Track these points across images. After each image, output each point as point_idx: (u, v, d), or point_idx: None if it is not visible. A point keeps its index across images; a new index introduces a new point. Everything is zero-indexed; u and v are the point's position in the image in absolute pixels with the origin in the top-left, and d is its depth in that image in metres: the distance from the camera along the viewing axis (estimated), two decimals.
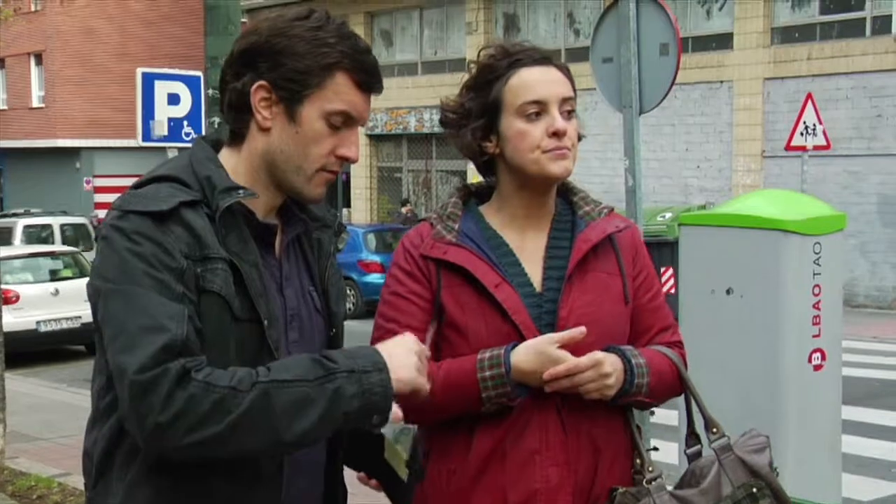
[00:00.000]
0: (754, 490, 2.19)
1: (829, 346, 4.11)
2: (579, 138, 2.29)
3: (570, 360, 2.12)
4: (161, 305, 1.73)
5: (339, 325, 2.07)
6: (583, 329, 2.12)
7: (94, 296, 1.82)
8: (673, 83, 5.88)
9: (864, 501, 6.54)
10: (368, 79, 1.90)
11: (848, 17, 17.82)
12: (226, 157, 1.94)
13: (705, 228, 4.23)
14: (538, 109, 2.20)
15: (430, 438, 2.28)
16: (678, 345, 2.36)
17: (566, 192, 2.37)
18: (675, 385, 2.30)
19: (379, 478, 2.05)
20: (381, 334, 2.22)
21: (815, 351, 4.07)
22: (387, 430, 2.00)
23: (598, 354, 2.16)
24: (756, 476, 2.19)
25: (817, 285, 4.04)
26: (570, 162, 2.23)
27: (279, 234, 1.97)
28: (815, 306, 4.05)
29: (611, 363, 2.17)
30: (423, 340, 2.17)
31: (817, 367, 4.09)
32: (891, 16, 17.14)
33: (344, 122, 1.90)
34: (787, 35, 18.62)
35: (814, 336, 4.05)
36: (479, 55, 2.30)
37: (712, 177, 19.38)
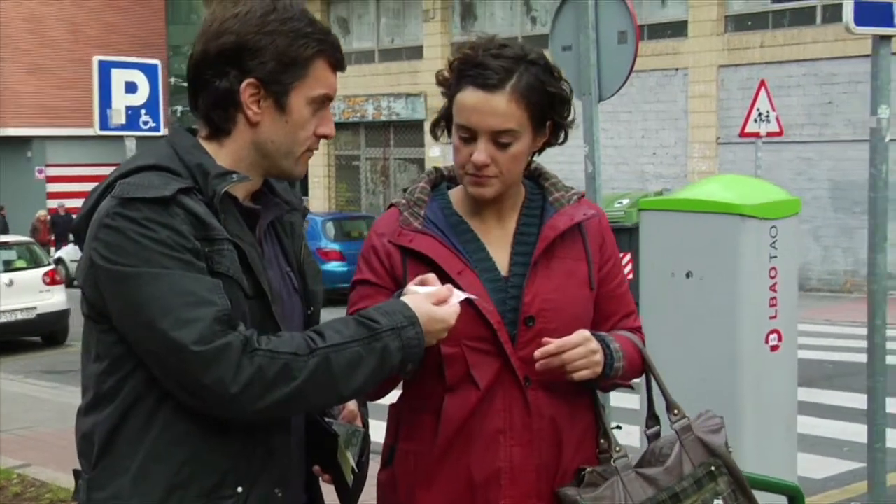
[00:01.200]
0: (713, 468, 2.28)
1: (785, 327, 4.20)
2: (548, 145, 2.30)
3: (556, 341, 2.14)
4: (197, 281, 1.80)
5: (317, 304, 2.13)
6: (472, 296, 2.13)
7: (110, 282, 1.82)
8: (631, 71, 5.95)
9: (818, 479, 6.68)
10: (342, 59, 2.01)
11: (799, 6, 18.05)
12: (205, 148, 1.98)
13: (665, 213, 4.30)
14: (468, 135, 2.22)
15: (398, 421, 2.33)
16: (638, 330, 2.43)
17: (538, 177, 2.39)
18: (639, 368, 2.36)
19: (331, 473, 2.12)
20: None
21: (771, 332, 4.17)
22: (340, 431, 2.08)
23: (584, 332, 2.20)
24: (714, 455, 2.28)
25: (774, 268, 4.13)
26: (489, 189, 2.24)
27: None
28: (772, 288, 4.14)
29: (595, 342, 2.22)
30: None
31: (774, 348, 4.18)
32: (840, 4, 17.37)
33: (323, 102, 1.98)
34: (740, 23, 18.83)
35: (770, 318, 4.14)
36: (458, 49, 2.30)
37: (668, 163, 19.57)
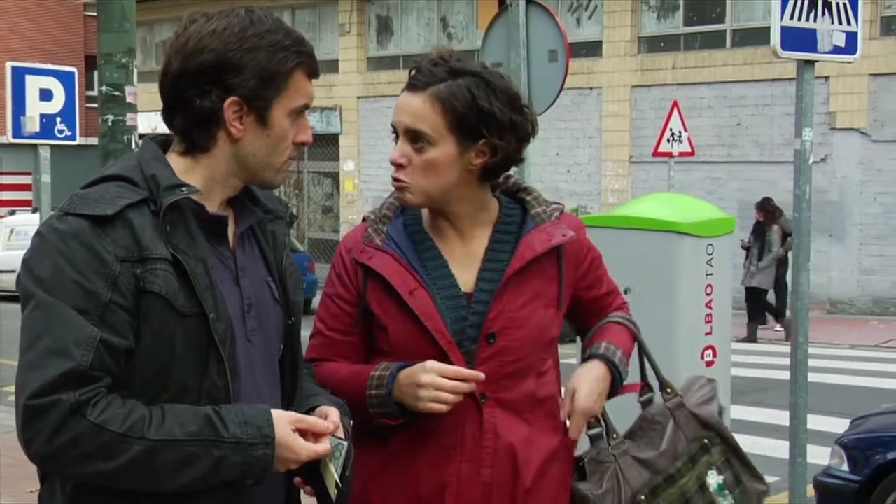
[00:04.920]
0: (705, 441, 2.37)
1: (719, 343, 4.30)
2: (500, 168, 2.27)
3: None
4: (74, 329, 1.76)
5: (298, 314, 2.10)
6: (480, 375, 2.17)
7: (23, 296, 1.84)
8: (562, 89, 6.03)
9: None
10: (317, 67, 2.00)
11: (709, 30, 18.50)
12: (178, 162, 1.95)
13: (603, 230, 4.35)
14: (395, 135, 2.25)
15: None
16: (624, 305, 2.51)
17: (517, 192, 2.38)
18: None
19: (313, 486, 2.08)
20: (314, 332, 2.33)
21: (707, 348, 4.26)
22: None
23: (583, 378, 2.30)
24: (707, 427, 2.38)
25: (709, 285, 4.22)
26: (409, 196, 2.25)
27: (232, 225, 2.00)
28: (708, 305, 4.23)
29: (586, 392, 2.29)
30: (346, 343, 2.27)
31: (709, 364, 4.27)
32: (749, 29, 17.86)
33: (301, 111, 1.98)
34: (653, 45, 19.21)
35: (706, 334, 4.23)
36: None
37: (582, 181, 19.84)
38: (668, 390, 2.43)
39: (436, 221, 2.31)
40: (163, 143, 1.99)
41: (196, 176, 1.94)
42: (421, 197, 2.24)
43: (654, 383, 2.47)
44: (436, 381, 2.14)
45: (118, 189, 1.85)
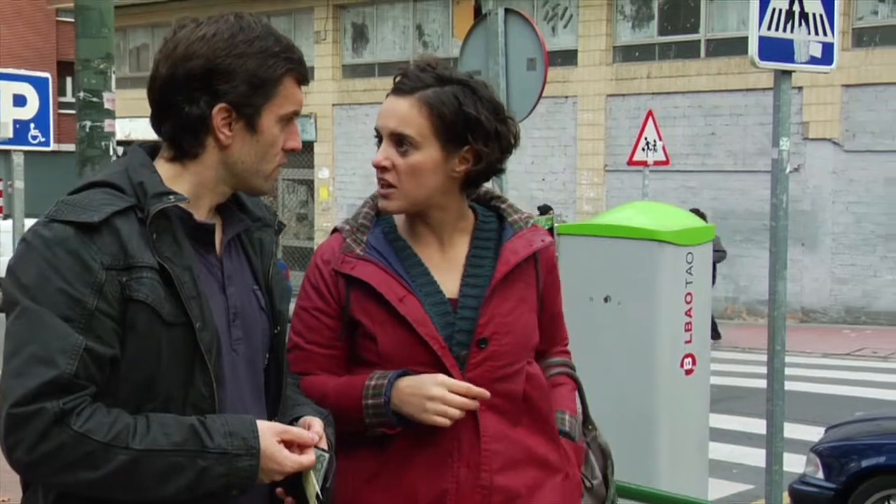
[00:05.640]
0: (607, 470, 2.55)
1: (699, 351, 4.31)
2: (483, 177, 2.28)
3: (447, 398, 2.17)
4: (59, 337, 1.75)
5: (284, 324, 2.10)
6: (486, 393, 2.19)
7: (8, 303, 1.81)
8: (540, 97, 6.05)
9: (710, 501, 6.84)
10: (307, 73, 2.00)
11: (684, 39, 18.62)
12: (166, 168, 1.94)
13: (583, 238, 4.37)
14: (379, 139, 2.25)
15: (339, 438, 2.31)
16: (568, 353, 2.56)
17: (490, 200, 2.41)
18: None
19: (295, 496, 2.06)
20: (291, 346, 2.29)
21: (686, 356, 4.27)
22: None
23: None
24: (604, 455, 2.55)
25: (689, 293, 4.24)
26: (392, 202, 2.25)
27: (219, 233, 1.99)
28: (688, 313, 4.25)
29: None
30: (327, 356, 2.26)
31: (689, 372, 4.29)
32: (723, 39, 18.00)
33: (291, 119, 1.97)
34: (627, 54, 19.31)
35: (686, 342, 4.25)
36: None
37: (557, 189, 19.89)
38: (591, 426, 2.56)
39: (415, 228, 2.31)
40: (151, 149, 1.97)
41: (184, 183, 1.92)
42: (403, 202, 2.24)
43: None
44: (446, 397, 2.15)
45: (105, 196, 1.84)
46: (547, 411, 2.37)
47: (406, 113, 2.20)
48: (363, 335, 2.26)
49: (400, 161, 2.21)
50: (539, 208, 16.27)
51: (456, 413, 2.16)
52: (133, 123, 19.06)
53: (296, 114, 1.98)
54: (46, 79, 9.45)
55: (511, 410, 2.28)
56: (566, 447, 2.40)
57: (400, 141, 2.20)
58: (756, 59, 4.91)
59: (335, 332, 2.28)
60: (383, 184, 2.24)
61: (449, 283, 2.28)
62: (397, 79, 2.25)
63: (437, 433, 2.21)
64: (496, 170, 2.31)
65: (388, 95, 2.25)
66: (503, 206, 2.39)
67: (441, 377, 2.17)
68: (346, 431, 2.21)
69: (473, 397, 2.17)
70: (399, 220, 2.34)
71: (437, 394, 2.15)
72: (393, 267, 2.26)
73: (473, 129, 2.21)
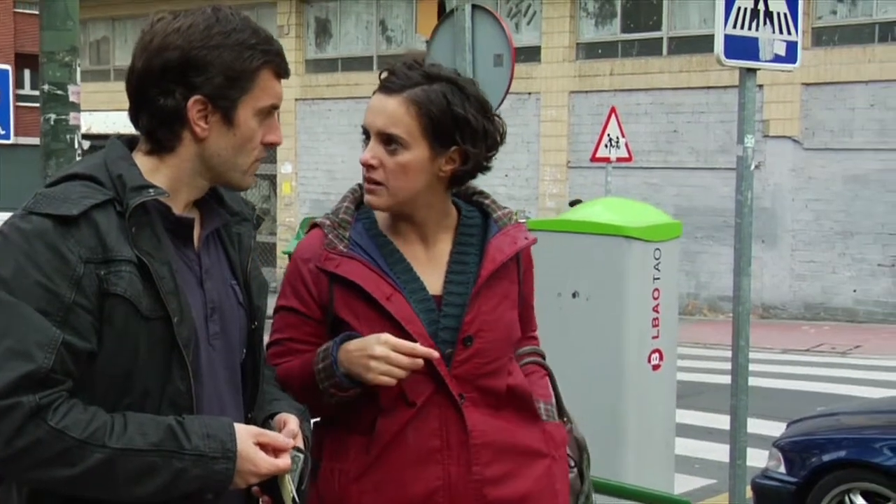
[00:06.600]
0: (583, 463, 2.55)
1: (666, 347, 4.35)
2: (469, 176, 2.28)
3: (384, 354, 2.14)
4: (36, 331, 1.73)
5: (261, 319, 2.08)
6: (434, 353, 2.17)
7: None
8: (507, 92, 6.06)
9: (677, 495, 6.90)
10: (286, 66, 1.98)
11: (646, 37, 18.72)
12: (143, 162, 1.92)
13: (551, 234, 4.38)
14: (366, 136, 2.25)
15: (323, 439, 2.30)
16: (537, 339, 2.59)
17: (473, 196, 2.41)
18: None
19: (271, 496, 2.06)
20: (272, 340, 2.30)
21: (653, 351, 4.30)
22: None
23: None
24: (580, 448, 2.55)
25: (657, 289, 4.27)
26: (378, 199, 2.25)
27: (197, 227, 1.97)
28: (655, 309, 4.28)
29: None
30: (307, 353, 2.24)
31: (655, 367, 4.32)
32: (684, 37, 18.13)
33: (269, 112, 1.95)
34: (591, 51, 19.39)
35: (653, 337, 4.28)
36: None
37: (520, 185, 19.95)
38: (565, 419, 2.54)
39: (397, 226, 2.31)
40: (129, 142, 1.96)
41: (161, 176, 1.91)
42: (390, 200, 2.24)
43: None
44: (389, 356, 2.12)
45: (84, 188, 1.82)
46: (529, 399, 2.37)
47: (394, 112, 2.19)
48: (346, 335, 2.24)
49: (388, 160, 2.21)
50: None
51: (401, 373, 2.13)
52: (93, 117, 18.87)
53: (274, 107, 1.96)
54: (6, 71, 9.36)
55: (496, 404, 2.29)
56: (549, 429, 2.40)
57: (388, 140, 2.20)
58: (722, 56, 4.96)
59: (315, 330, 2.27)
60: (370, 182, 2.23)
61: (432, 280, 2.28)
62: (384, 76, 2.24)
63: (424, 432, 2.22)
64: (483, 168, 2.31)
65: (375, 93, 2.25)
66: (487, 201, 2.39)
67: (385, 336, 2.14)
68: (314, 406, 2.20)
69: (419, 356, 2.14)
70: (380, 215, 2.33)
71: (380, 353, 2.12)
72: (377, 264, 2.25)
73: (462, 128, 2.21)
